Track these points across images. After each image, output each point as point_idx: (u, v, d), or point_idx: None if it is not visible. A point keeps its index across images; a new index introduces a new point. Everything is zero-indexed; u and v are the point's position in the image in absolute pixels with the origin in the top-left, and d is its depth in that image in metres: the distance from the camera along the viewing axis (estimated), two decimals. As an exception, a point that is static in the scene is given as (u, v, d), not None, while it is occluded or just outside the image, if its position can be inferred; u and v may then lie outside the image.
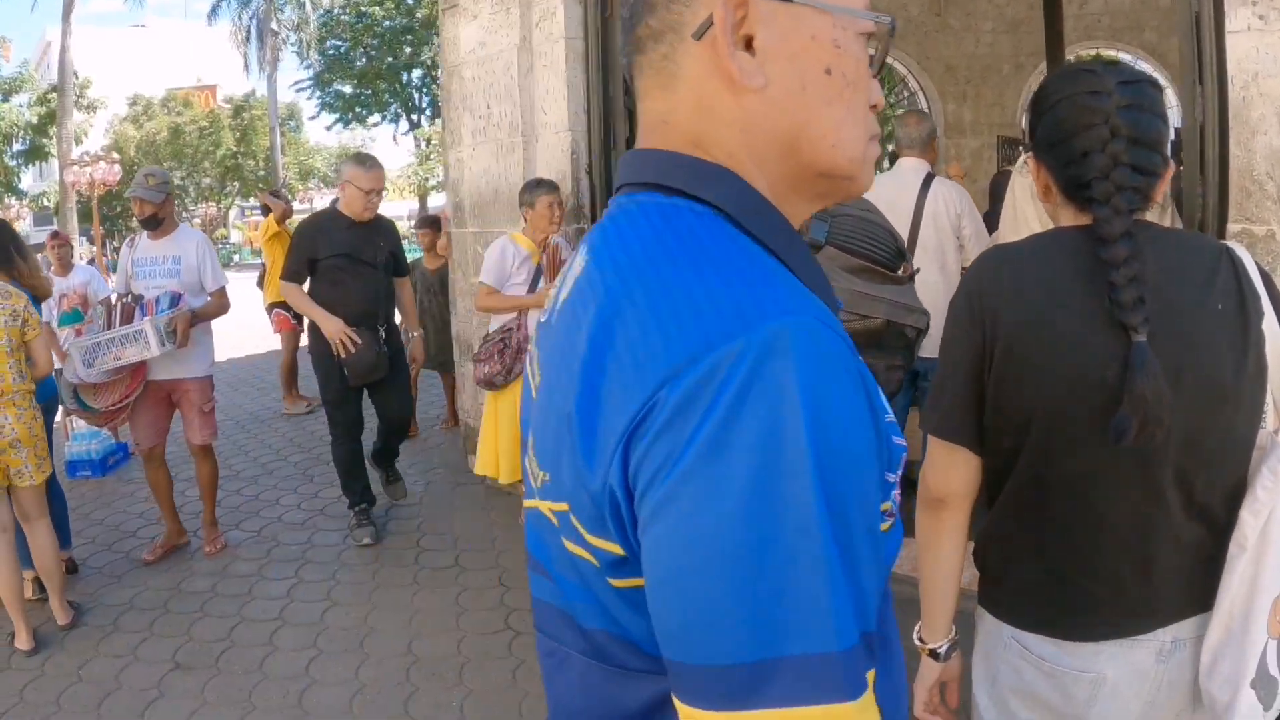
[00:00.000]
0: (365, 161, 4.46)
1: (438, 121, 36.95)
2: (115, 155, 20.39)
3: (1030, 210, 4.08)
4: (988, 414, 1.36)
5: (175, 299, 4.26)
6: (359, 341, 4.30)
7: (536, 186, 4.39)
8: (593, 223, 4.97)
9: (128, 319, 4.20)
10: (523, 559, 4.29)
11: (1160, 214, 3.27)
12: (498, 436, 4.56)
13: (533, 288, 4.40)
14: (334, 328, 4.28)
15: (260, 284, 7.96)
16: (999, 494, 1.41)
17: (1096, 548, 1.33)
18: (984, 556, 1.47)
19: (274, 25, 31.80)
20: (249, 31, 32.44)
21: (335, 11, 33.08)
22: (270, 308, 7.68)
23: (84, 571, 4.38)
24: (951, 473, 1.42)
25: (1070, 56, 9.41)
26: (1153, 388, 1.19)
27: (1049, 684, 1.40)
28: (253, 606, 3.90)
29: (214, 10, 33.19)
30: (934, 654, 1.51)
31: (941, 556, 1.46)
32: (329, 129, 38.48)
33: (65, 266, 6.13)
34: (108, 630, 3.72)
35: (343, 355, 4.31)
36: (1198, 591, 1.32)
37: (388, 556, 4.40)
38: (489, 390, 4.50)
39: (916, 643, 1.50)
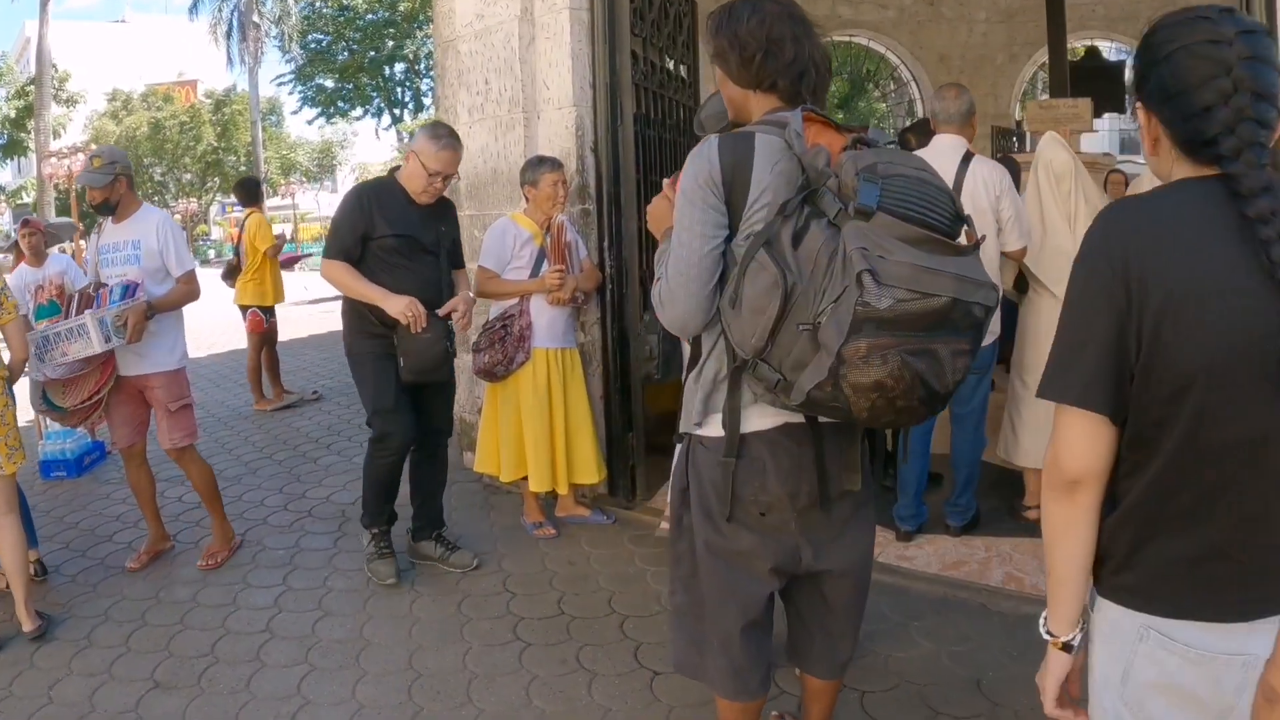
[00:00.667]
0: (439, 135, 3.64)
1: (421, 115, 36.75)
2: (94, 147, 19.92)
3: (1051, 201, 3.97)
4: (1136, 382, 1.29)
5: (129, 289, 3.90)
6: (424, 326, 3.57)
7: (539, 164, 4.11)
8: (598, 203, 4.77)
9: (83, 311, 3.88)
10: (528, 563, 4.07)
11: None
12: (498, 431, 4.28)
13: (535, 271, 4.12)
14: (402, 303, 3.51)
15: (229, 279, 7.48)
16: (1133, 471, 1.34)
17: (1268, 515, 1.27)
18: (1109, 542, 1.39)
19: (255, 18, 31.29)
20: (230, 25, 31.92)
21: (317, 4, 32.63)
22: (244, 308, 7.40)
23: (56, 579, 4.08)
24: (1091, 447, 1.34)
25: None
26: None
27: (1197, 674, 1.32)
28: (238, 618, 3.61)
29: (195, 4, 32.70)
30: (1066, 647, 1.45)
31: (1077, 542, 1.39)
32: (310, 123, 38.10)
33: (38, 256, 5.78)
34: (81, 645, 3.43)
35: (406, 344, 3.60)
36: None
37: (382, 561, 4.10)
38: (488, 381, 4.23)
39: (1045, 636, 1.46)
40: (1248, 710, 1.30)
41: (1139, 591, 1.36)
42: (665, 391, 5.32)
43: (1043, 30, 11.99)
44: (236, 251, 7.33)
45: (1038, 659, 1.52)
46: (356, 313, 3.72)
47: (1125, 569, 1.37)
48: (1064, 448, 1.35)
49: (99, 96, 33.54)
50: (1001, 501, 4.41)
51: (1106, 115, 11.65)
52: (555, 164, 4.12)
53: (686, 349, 4.03)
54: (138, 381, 4.03)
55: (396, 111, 37.46)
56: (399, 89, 37.24)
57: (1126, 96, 12.09)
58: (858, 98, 23.62)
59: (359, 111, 36.58)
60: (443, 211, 3.87)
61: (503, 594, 3.70)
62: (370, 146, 43.35)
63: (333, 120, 36.71)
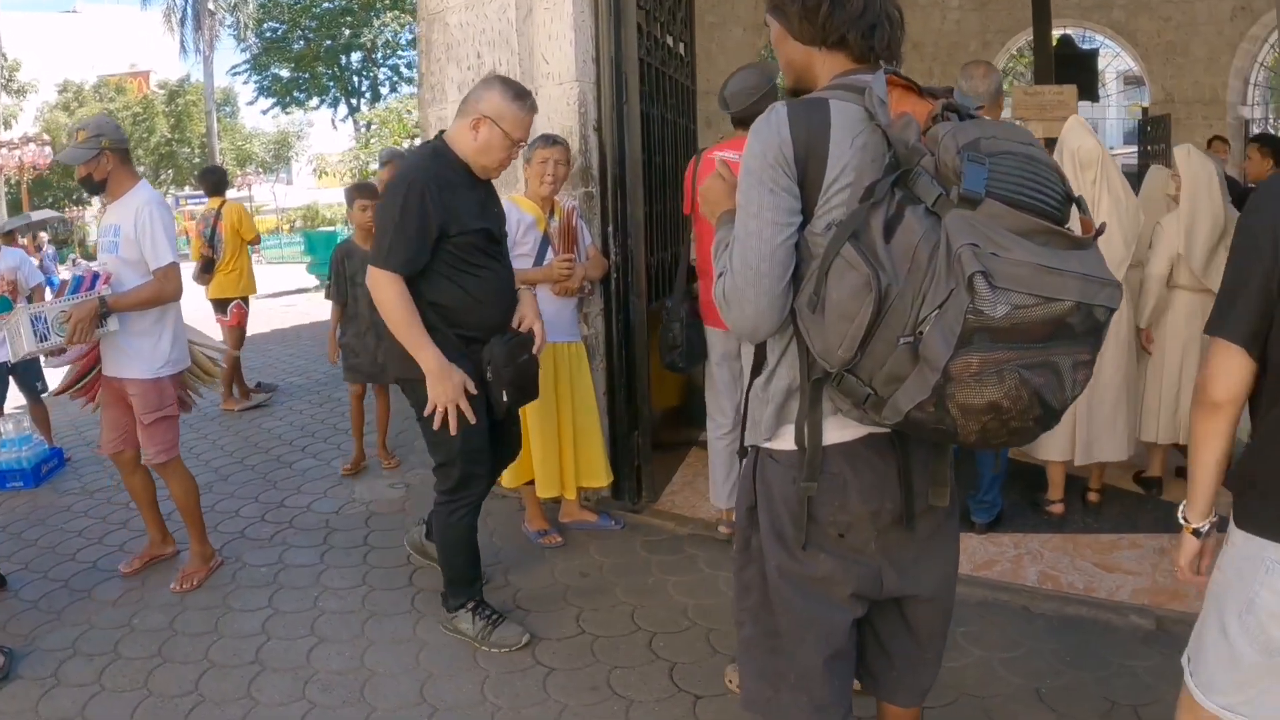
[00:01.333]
0: (521, 95, 2.94)
1: (378, 105, 36.10)
2: (46, 137, 19.24)
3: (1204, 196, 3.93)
4: (1276, 324, 1.52)
5: (83, 281, 3.52)
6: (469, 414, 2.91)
7: (535, 140, 3.78)
8: (602, 185, 4.44)
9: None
10: (536, 576, 3.76)
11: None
12: (500, 434, 3.96)
13: (540, 259, 3.80)
14: (451, 387, 2.84)
15: (207, 274, 6.96)
16: (1271, 405, 1.55)
17: None
18: (1245, 472, 1.57)
19: (211, 5, 30.43)
20: (185, 13, 30.98)
21: (273, -8, 31.98)
22: (222, 302, 6.95)
23: (16, 605, 3.67)
24: (1234, 377, 1.58)
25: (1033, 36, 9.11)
26: None
27: None
28: (222, 648, 3.24)
29: (149, -10, 31.78)
30: (1196, 532, 1.74)
31: (1214, 452, 1.64)
32: (266, 113, 37.22)
33: (-13, 248, 5.36)
34: (47, 684, 3.05)
35: (508, 367, 2.98)
36: None
37: (376, 578, 3.76)
38: (489, 380, 3.88)
39: (1181, 521, 1.75)
40: None
41: (1270, 524, 1.53)
42: (668, 386, 5.04)
43: (1016, 18, 11.92)
44: (211, 243, 6.86)
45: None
46: (428, 326, 2.88)
47: (1261, 498, 1.55)
48: (1210, 378, 1.61)
49: (50, 88, 32.46)
50: (1022, 496, 4.23)
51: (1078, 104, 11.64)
52: (551, 140, 3.79)
53: (714, 339, 3.84)
54: (119, 385, 3.66)
55: (353, 101, 36.77)
56: (356, 78, 36.56)
57: (1099, 85, 12.10)
58: None
59: (315, 102, 35.83)
60: (489, 189, 3.15)
61: (514, 611, 3.39)
62: (328, 137, 42.43)
63: (289, 110, 35.93)
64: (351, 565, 3.89)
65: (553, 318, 3.82)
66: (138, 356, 3.59)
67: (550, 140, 3.78)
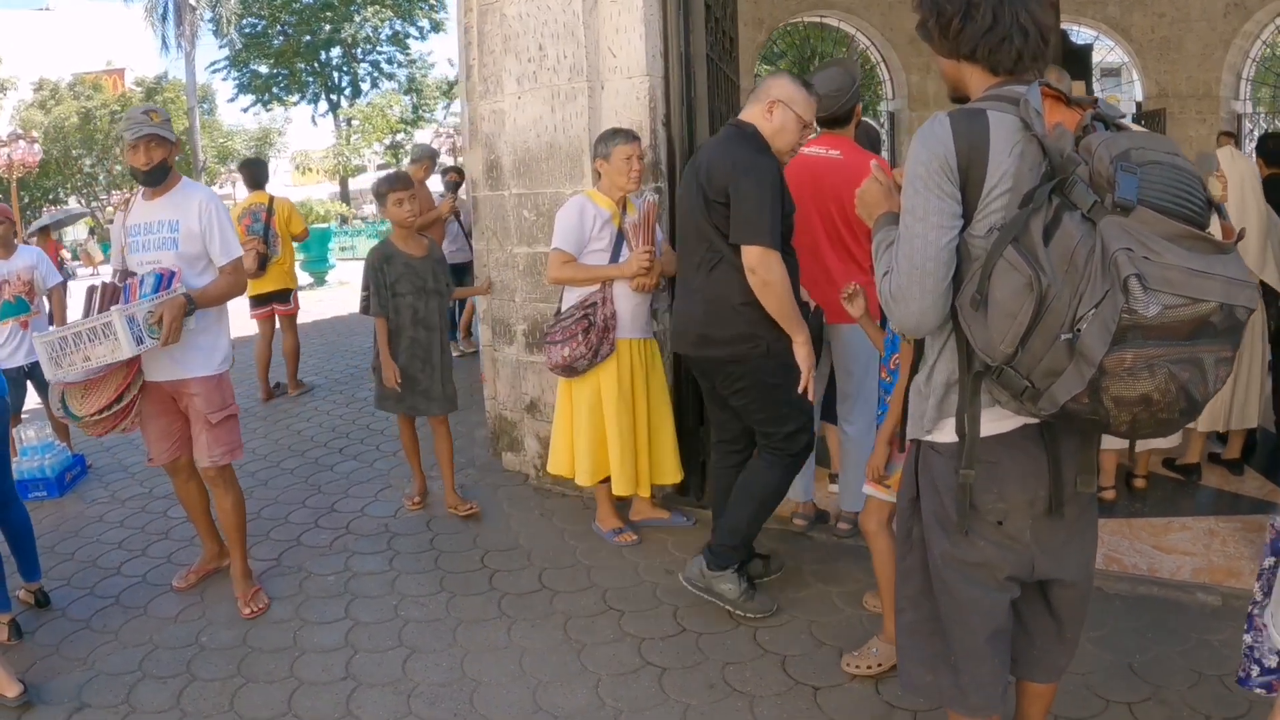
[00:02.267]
0: (806, 83, 3.23)
1: (358, 101, 35.72)
2: (35, 135, 18.86)
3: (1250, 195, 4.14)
4: None
5: (162, 280, 3.33)
6: None
7: (613, 136, 3.73)
8: (671, 181, 4.37)
9: (108, 305, 3.30)
10: (620, 575, 3.65)
11: None
12: (573, 431, 3.90)
13: (615, 254, 3.74)
14: (811, 354, 3.14)
15: (261, 270, 6.90)
16: None
17: None
18: None
19: (191, 1, 29.96)
20: (165, 9, 30.46)
21: (253, -14, 31.54)
22: (267, 296, 7.02)
23: (66, 625, 3.50)
24: None
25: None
26: None
27: None
28: (307, 664, 3.13)
29: (129, -14, 31.23)
30: None
31: None
32: (246, 110, 36.74)
33: (7, 248, 5.20)
34: (121, 712, 2.89)
35: (812, 391, 3.19)
36: None
37: (454, 583, 3.68)
38: (566, 377, 3.84)
39: None
40: None
41: None
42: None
43: (1011, 9, 11.91)
44: (266, 238, 6.85)
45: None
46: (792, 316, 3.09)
47: None
48: None
49: (25, 86, 31.77)
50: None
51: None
52: (630, 136, 3.74)
53: None
54: (171, 388, 3.49)
55: (334, 97, 36.39)
56: (336, 74, 36.19)
57: (1095, 82, 12.17)
58: None
59: (295, 98, 35.43)
60: None
61: (608, 612, 3.34)
62: (308, 133, 42.10)
63: (269, 107, 35.48)
64: (424, 571, 3.81)
65: (629, 314, 3.77)
66: (200, 354, 3.46)
67: (631, 136, 3.72)
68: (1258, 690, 2.09)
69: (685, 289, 3.32)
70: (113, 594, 3.78)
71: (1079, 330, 1.47)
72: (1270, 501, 4.32)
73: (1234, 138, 8.81)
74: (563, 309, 3.83)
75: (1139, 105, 13.12)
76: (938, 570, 1.89)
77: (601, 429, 3.83)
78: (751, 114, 3.19)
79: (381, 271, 4.20)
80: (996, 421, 1.76)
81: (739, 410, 3.28)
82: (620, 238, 3.76)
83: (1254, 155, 5.35)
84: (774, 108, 3.13)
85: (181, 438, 3.59)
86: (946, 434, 1.82)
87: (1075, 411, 1.54)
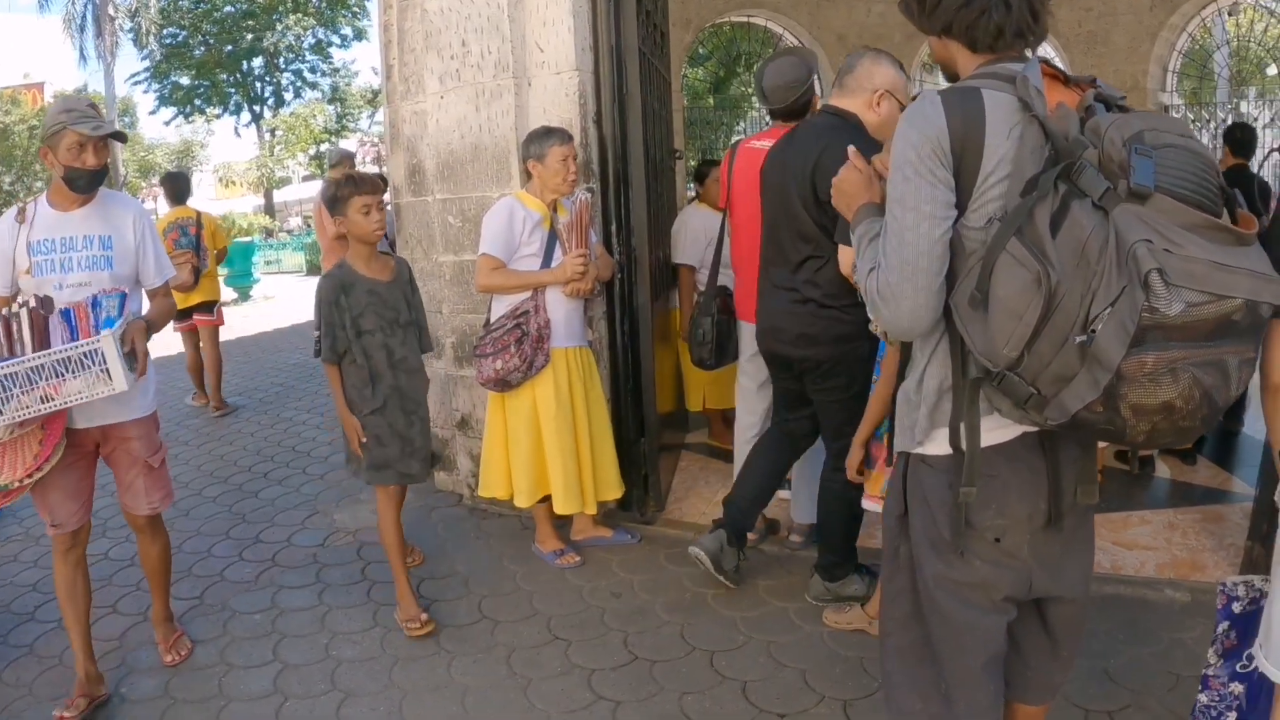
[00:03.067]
0: (897, 61, 3.07)
1: (281, 111, 34.84)
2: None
3: None
4: None
5: (125, 302, 2.85)
6: None
7: (546, 136, 3.53)
8: (603, 181, 4.18)
9: (41, 336, 2.70)
10: (565, 601, 3.44)
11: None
12: (509, 448, 3.69)
13: (548, 259, 3.54)
14: None
15: (194, 286, 6.87)
16: None
17: None
18: None
19: (111, 11, 28.88)
20: (84, 19, 29.29)
21: (174, -4, 30.61)
22: (195, 308, 6.92)
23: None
24: None
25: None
26: None
27: None
28: (233, 714, 2.86)
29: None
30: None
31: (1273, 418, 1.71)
32: (168, 124, 35.62)
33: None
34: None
35: None
36: None
37: (389, 616, 3.42)
38: (499, 391, 3.62)
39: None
40: None
41: None
42: (666, 389, 4.82)
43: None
44: (198, 252, 6.70)
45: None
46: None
47: None
48: (1268, 360, 1.65)
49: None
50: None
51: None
52: (565, 136, 3.54)
53: (746, 335, 3.64)
54: (102, 434, 2.94)
55: (256, 108, 35.47)
56: (258, 84, 35.29)
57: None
58: (729, 81, 23.22)
59: (217, 110, 34.46)
60: None
61: (554, 641, 3.14)
62: (231, 145, 40.78)
63: (191, 119, 34.44)
64: (357, 604, 3.56)
65: (563, 322, 3.59)
66: (139, 390, 2.89)
67: (566, 136, 3.53)
68: None
69: (772, 287, 3.16)
70: (26, 642, 3.45)
71: (1093, 332, 1.32)
72: (1224, 490, 4.30)
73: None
74: (492, 319, 3.61)
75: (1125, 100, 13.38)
76: (929, 592, 1.75)
77: (540, 445, 3.63)
78: (854, 104, 2.98)
79: (338, 305, 3.20)
80: (995, 431, 1.62)
81: (822, 408, 3.20)
82: (553, 241, 3.56)
83: (1221, 144, 5.39)
84: (882, 99, 2.94)
85: (89, 496, 3.01)
86: (939, 446, 1.67)
87: (1087, 421, 1.39)
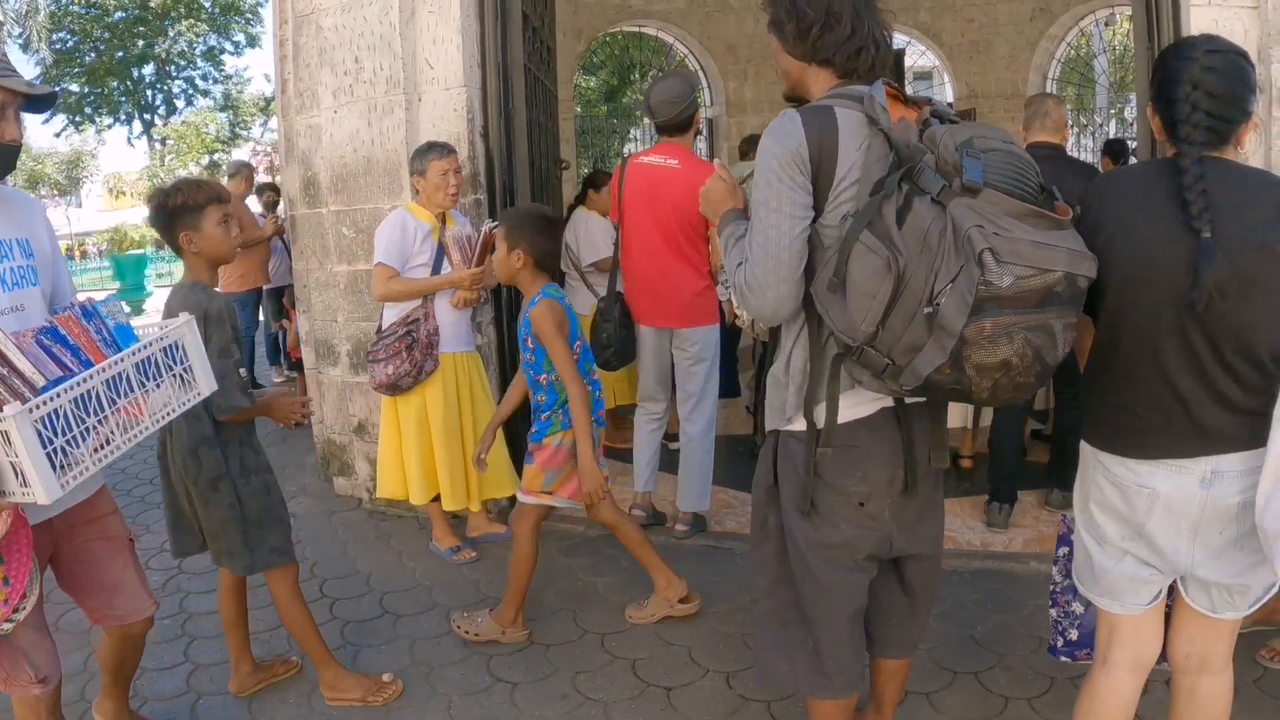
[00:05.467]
0: None
1: (173, 120, 33.75)
2: None
3: None
4: (1094, 289, 1.72)
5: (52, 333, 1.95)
6: None
7: (428, 151, 3.71)
8: (490, 193, 4.37)
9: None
10: (461, 592, 3.51)
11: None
12: (402, 450, 3.84)
13: (436, 268, 3.71)
14: None
15: None
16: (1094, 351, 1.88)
17: (1150, 384, 1.77)
18: (1085, 397, 1.96)
19: (-1, 14, 27.59)
20: (-33, 23, 27.90)
21: (64, 0, 29.28)
22: None
23: None
24: (1085, 331, 1.84)
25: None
26: (1213, 274, 1.62)
27: (1118, 495, 1.85)
28: (149, 712, 2.89)
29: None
30: None
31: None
32: (59, 135, 34.08)
33: None
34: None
35: None
36: (1233, 433, 1.73)
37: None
38: (390, 395, 3.78)
39: None
40: (1155, 530, 1.80)
41: (1092, 432, 1.90)
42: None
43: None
44: None
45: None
46: None
47: (1089, 416, 1.92)
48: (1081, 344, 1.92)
49: None
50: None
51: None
52: (445, 150, 3.72)
53: (646, 336, 3.87)
54: (69, 523, 2.18)
55: (148, 116, 34.32)
56: (150, 91, 34.14)
57: (908, 85, 12.89)
58: (622, 90, 23.35)
59: (108, 120, 33.20)
60: None
61: (452, 632, 3.26)
62: (124, 155, 39.26)
63: (81, 128, 33.09)
64: (263, 605, 3.47)
65: (451, 328, 3.76)
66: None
67: (447, 150, 3.70)
68: (1063, 659, 2.28)
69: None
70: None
71: (938, 305, 1.55)
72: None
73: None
74: (384, 326, 3.77)
75: (950, 105, 13.94)
76: (800, 555, 1.96)
77: (430, 445, 3.80)
78: (1059, 139, 3.66)
79: (235, 330, 2.62)
80: (858, 406, 1.85)
81: None
82: (441, 252, 3.73)
83: (1101, 156, 6.13)
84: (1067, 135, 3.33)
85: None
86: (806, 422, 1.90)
87: (938, 383, 1.62)
